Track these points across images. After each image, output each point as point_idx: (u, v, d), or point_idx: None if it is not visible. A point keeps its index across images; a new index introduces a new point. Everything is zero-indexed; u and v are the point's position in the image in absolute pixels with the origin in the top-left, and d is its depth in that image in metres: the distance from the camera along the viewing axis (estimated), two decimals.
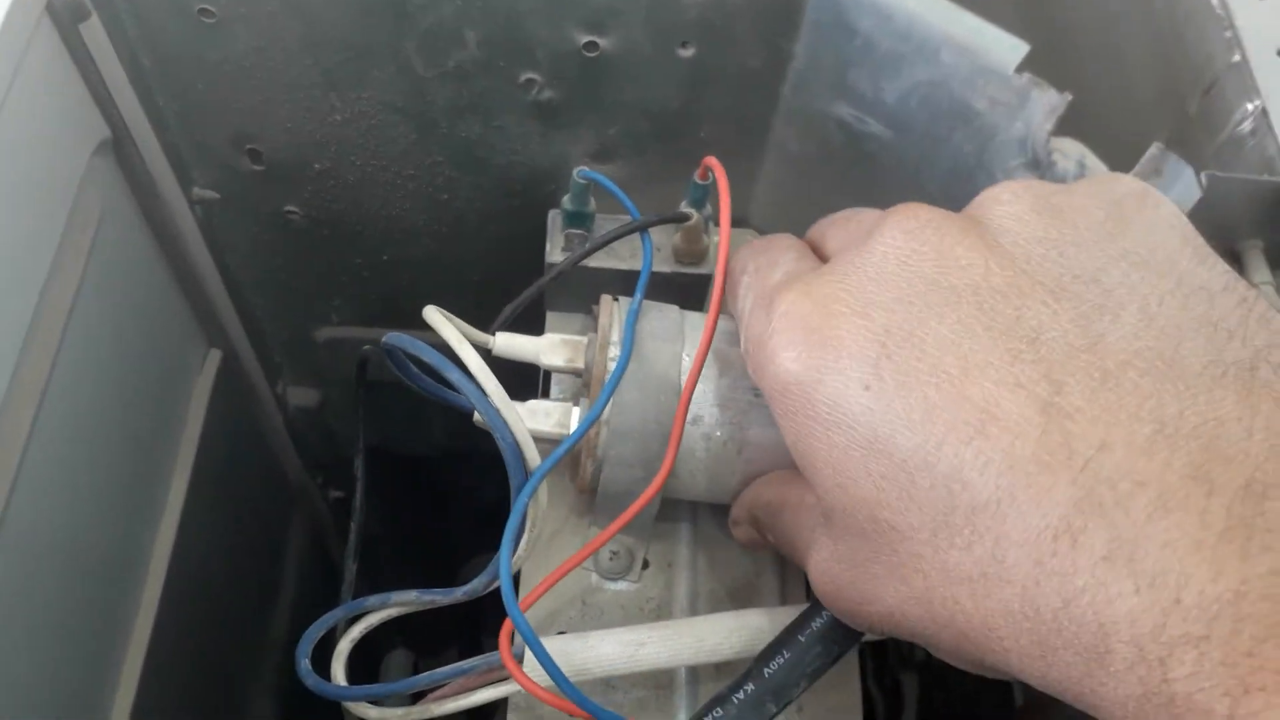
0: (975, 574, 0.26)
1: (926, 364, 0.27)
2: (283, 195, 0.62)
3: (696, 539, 0.53)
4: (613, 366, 0.47)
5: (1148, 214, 0.30)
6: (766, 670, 0.40)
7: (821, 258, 0.37)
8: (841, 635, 0.40)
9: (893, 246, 0.30)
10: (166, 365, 0.67)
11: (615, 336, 0.48)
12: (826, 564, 0.33)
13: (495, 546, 0.61)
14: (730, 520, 0.47)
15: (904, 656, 0.88)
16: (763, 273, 0.36)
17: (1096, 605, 0.23)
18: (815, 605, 0.40)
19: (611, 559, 0.52)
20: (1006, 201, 0.30)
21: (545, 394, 0.56)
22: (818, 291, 0.31)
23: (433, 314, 0.44)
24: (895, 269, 0.29)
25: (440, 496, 0.98)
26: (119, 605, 0.61)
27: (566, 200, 0.53)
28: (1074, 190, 0.31)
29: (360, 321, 0.75)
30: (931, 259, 0.29)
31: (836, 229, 0.37)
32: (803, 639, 0.40)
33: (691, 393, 0.45)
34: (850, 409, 0.28)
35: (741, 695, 0.40)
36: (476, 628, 0.97)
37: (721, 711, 0.40)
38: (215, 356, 0.71)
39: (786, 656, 0.40)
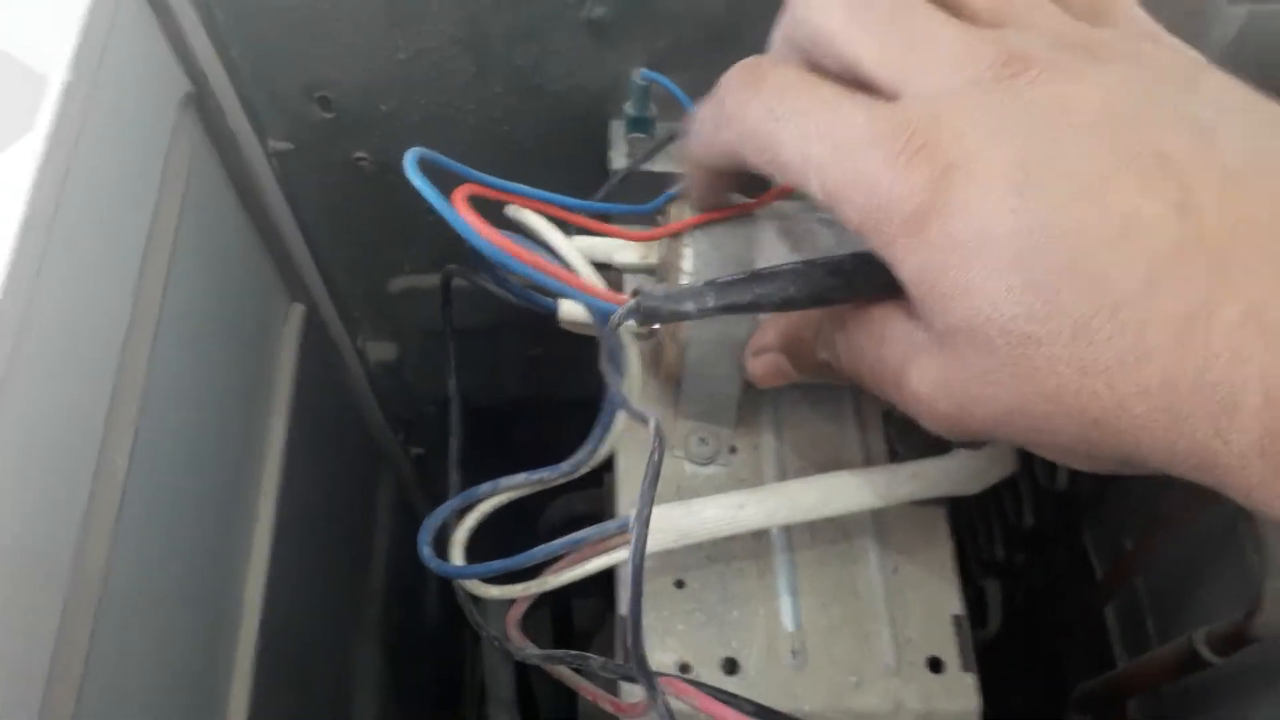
0: (1114, 363, 0.29)
1: (1066, 185, 0.30)
2: (352, 141, 0.65)
3: (780, 422, 0.55)
4: (688, 253, 0.49)
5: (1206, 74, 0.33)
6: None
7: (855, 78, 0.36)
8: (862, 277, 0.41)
9: (1010, 81, 0.32)
10: (256, 320, 0.70)
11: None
12: (935, 379, 0.35)
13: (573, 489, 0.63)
14: (752, 348, 0.48)
15: (984, 562, 0.89)
16: (832, 109, 0.35)
17: (1230, 366, 0.27)
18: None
19: (700, 444, 0.54)
20: (1106, 42, 0.33)
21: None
22: (948, 119, 0.32)
23: (514, 209, 0.47)
24: (1016, 103, 0.31)
25: (513, 447, 1.01)
26: (230, 570, 0.64)
27: (628, 106, 0.55)
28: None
29: (432, 268, 0.77)
30: (1055, 92, 0.31)
31: (894, 49, 0.35)
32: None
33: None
34: (996, 232, 0.30)
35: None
36: None
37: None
38: (298, 311, 0.74)
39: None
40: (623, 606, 0.50)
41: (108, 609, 0.46)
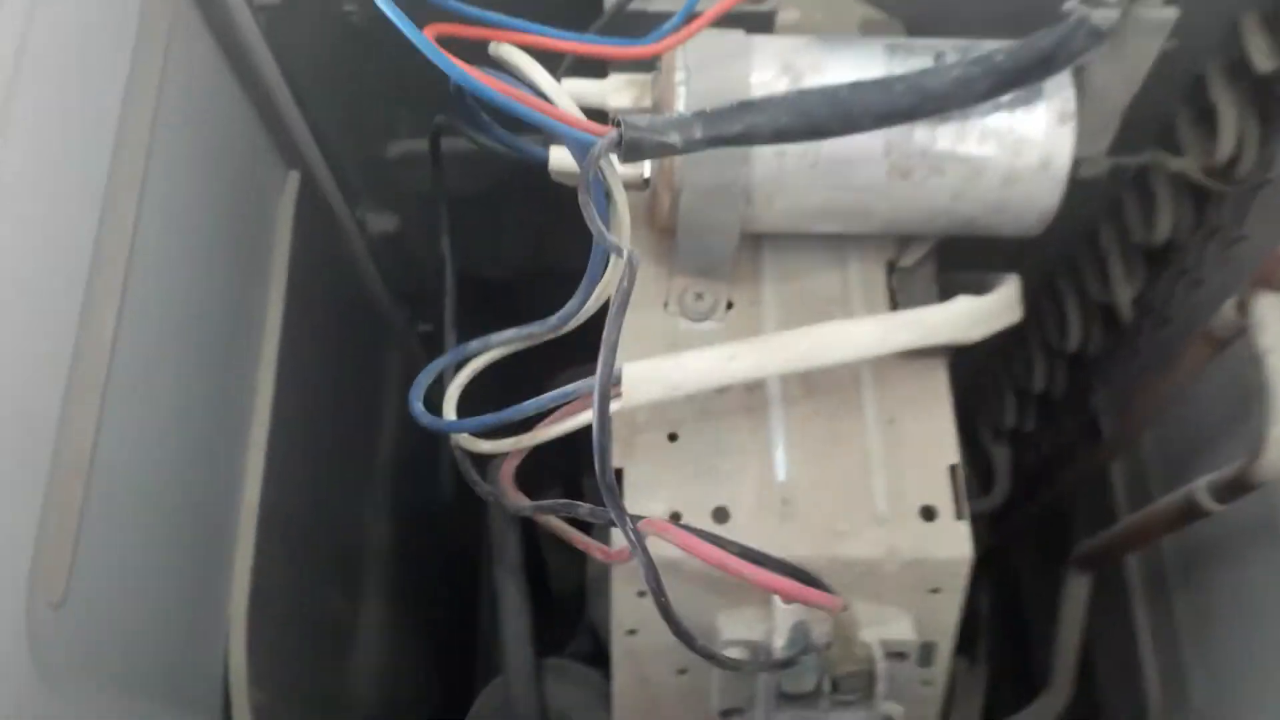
0: None
1: None
2: None
3: (780, 274, 0.54)
4: (681, 93, 0.47)
5: None
6: None
7: None
8: None
9: None
10: (247, 186, 0.68)
11: (680, 62, 0.47)
12: None
13: (578, 361, 0.61)
14: None
15: (995, 429, 0.88)
16: None
17: None
18: None
19: (696, 300, 0.53)
20: None
21: None
22: None
23: (498, 46, 0.45)
24: None
25: (517, 317, 1.00)
26: (231, 435, 0.63)
27: None
28: None
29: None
30: None
31: None
32: None
33: None
34: None
35: None
36: None
37: None
38: (294, 178, 0.73)
39: None
40: (616, 460, 0.49)
41: (97, 478, 0.46)
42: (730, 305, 0.53)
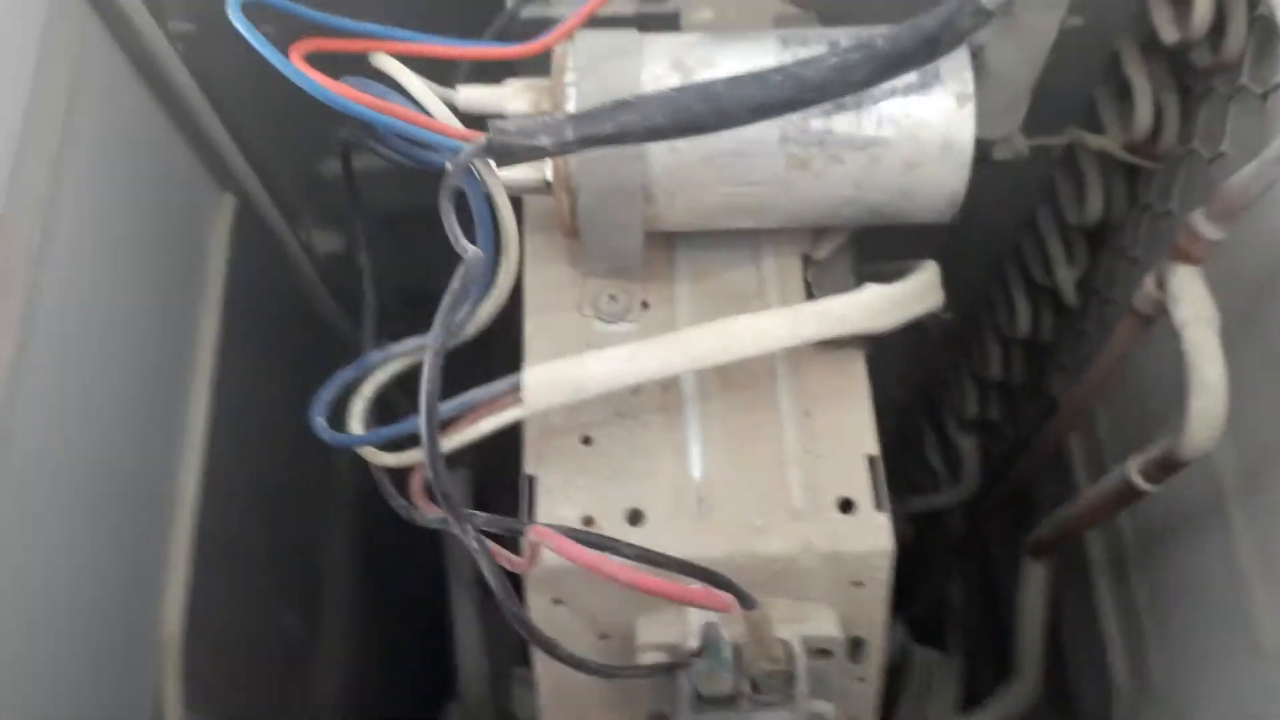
0: None
1: None
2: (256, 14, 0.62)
3: (694, 272, 0.53)
4: (571, 94, 0.46)
5: None
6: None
7: None
8: None
9: None
10: (176, 213, 0.66)
11: (571, 63, 0.47)
12: None
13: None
14: None
15: (961, 420, 0.87)
16: None
17: None
18: None
19: (610, 301, 0.52)
20: None
21: None
22: None
23: (378, 58, 0.44)
24: None
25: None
26: (164, 460, 0.62)
27: None
28: None
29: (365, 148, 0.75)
30: None
31: None
32: None
33: None
34: None
35: None
36: None
37: None
38: (229, 201, 0.72)
39: None
40: (528, 467, 0.49)
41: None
42: (646, 305, 0.52)
